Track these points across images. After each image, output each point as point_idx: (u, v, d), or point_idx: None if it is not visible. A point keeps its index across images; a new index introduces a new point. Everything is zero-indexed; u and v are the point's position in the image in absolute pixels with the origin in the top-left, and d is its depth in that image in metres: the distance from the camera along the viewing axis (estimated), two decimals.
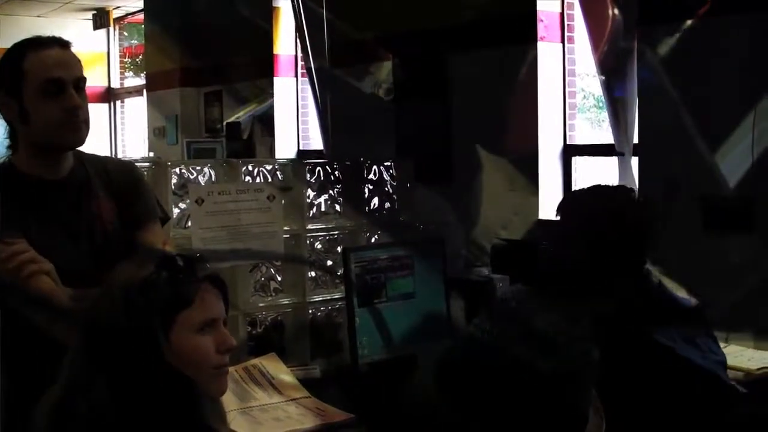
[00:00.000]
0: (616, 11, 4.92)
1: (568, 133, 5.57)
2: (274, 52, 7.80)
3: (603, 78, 5.08)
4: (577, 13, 5.45)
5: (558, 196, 5.47)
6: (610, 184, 2.74)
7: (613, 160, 5.12)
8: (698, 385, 2.45)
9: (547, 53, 5.56)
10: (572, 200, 2.65)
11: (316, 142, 7.66)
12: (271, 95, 7.68)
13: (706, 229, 4.42)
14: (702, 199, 4.43)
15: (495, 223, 5.49)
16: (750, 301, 4.04)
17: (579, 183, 5.53)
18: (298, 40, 7.59)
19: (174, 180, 3.40)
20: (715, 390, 2.51)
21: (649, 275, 2.58)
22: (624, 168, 5.06)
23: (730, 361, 3.29)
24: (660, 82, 4.68)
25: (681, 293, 2.65)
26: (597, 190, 2.68)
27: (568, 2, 5.58)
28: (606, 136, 5.28)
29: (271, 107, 7.75)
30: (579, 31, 5.55)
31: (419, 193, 4.00)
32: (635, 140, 4.94)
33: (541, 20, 5.53)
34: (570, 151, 5.54)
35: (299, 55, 7.72)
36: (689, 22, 4.48)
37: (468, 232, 4.92)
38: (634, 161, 4.96)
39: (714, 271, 4.18)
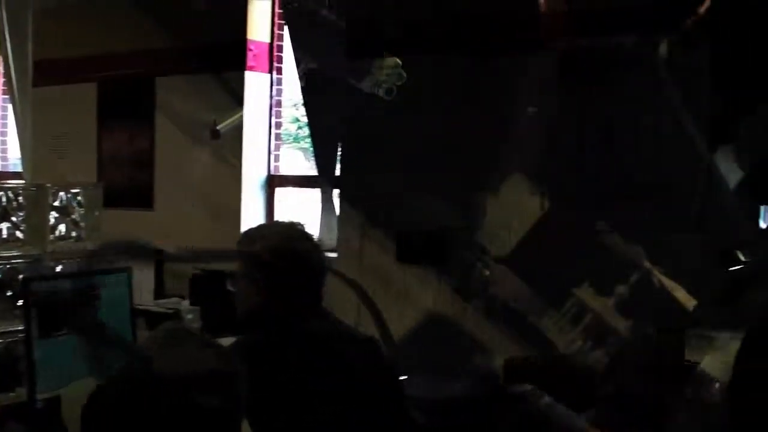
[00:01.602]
0: None
1: (273, 164, 5.59)
2: None
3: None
4: (287, 43, 5.50)
5: None
6: (285, 221, 2.73)
7: (317, 192, 5.21)
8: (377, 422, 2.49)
9: (257, 82, 5.57)
10: (246, 237, 2.63)
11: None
12: None
13: (399, 261, 4.56)
14: (396, 234, 4.57)
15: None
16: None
17: (282, 214, 5.57)
18: None
19: None
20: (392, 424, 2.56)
21: (328, 315, 2.59)
22: (326, 199, 5.14)
23: (416, 392, 3.40)
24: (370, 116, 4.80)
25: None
26: (266, 227, 2.66)
27: (277, 33, 5.62)
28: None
29: None
30: (288, 62, 5.59)
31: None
32: (338, 172, 5.04)
33: (251, 49, 5.53)
34: (274, 182, 5.56)
35: (1, 71, 7.34)
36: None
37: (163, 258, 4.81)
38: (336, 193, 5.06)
39: None
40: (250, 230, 2.64)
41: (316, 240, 2.65)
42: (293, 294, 2.49)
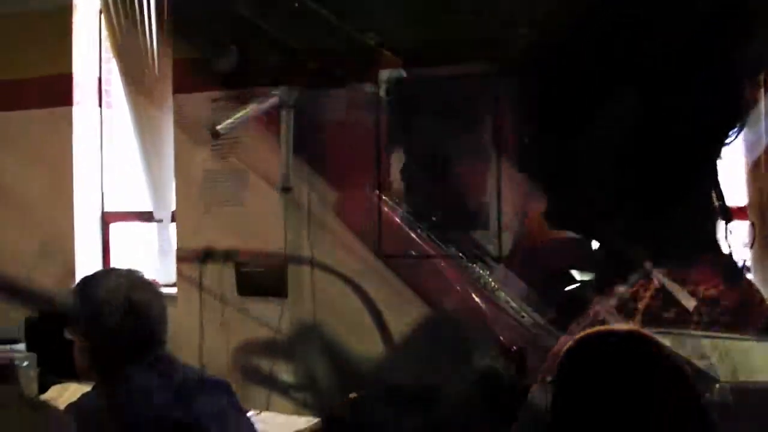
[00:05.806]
0: None
1: (106, 200, 5.48)
2: None
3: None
4: (115, 77, 5.40)
5: (98, 263, 5.37)
6: (112, 268, 2.70)
7: (153, 227, 5.13)
8: None
9: (86, 117, 5.44)
10: (81, 285, 2.59)
11: None
12: None
13: (240, 294, 4.57)
14: (235, 266, 4.58)
15: None
16: None
17: (117, 250, 5.46)
18: None
19: None
20: None
21: (172, 362, 2.56)
22: (162, 234, 5.09)
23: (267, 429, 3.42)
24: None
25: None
26: (99, 275, 2.61)
27: (106, 66, 5.51)
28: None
29: None
30: (117, 95, 5.48)
31: None
32: (173, 207, 4.99)
33: (78, 84, 5.40)
34: (108, 218, 5.45)
35: None
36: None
37: None
38: (173, 227, 5.00)
39: None
40: (84, 278, 2.60)
41: (156, 288, 2.62)
42: (130, 346, 2.47)
